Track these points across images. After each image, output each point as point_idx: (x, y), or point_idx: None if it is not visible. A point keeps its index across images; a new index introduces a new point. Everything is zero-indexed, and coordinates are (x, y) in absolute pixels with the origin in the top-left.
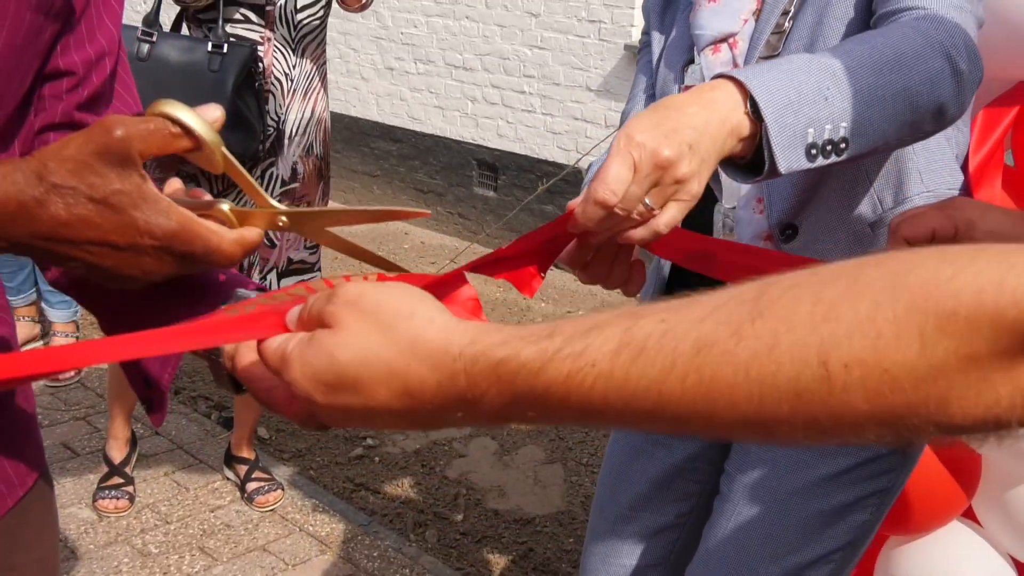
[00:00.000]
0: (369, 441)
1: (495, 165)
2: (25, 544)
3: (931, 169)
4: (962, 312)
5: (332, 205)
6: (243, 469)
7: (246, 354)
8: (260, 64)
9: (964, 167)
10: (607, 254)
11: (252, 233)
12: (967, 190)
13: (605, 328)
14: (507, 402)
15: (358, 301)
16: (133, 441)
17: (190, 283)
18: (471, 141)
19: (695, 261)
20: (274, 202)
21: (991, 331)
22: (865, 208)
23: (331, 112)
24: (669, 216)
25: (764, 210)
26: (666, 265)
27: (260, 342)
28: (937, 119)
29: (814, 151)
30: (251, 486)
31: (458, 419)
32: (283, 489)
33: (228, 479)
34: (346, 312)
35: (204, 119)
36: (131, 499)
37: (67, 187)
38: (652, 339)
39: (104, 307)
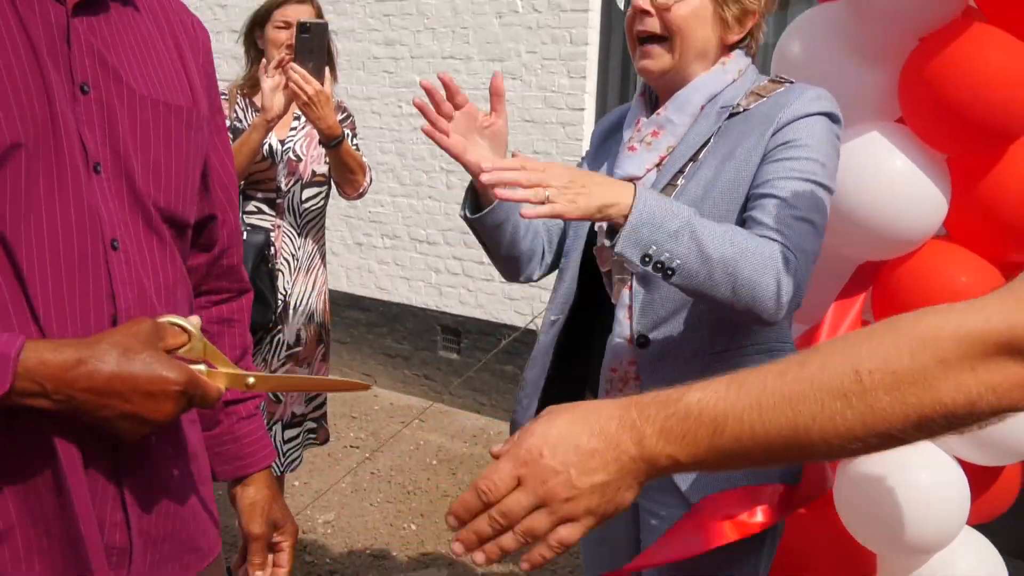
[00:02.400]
0: None
1: (458, 330)
2: None
3: (762, 329)
4: (938, 335)
5: (290, 375)
6: None
7: None
8: (272, 248)
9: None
10: None
11: (222, 387)
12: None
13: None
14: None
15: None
16: None
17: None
18: (435, 308)
19: None
20: (240, 370)
21: (955, 345)
22: (704, 342)
23: None
24: None
25: (631, 318)
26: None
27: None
28: (745, 314)
29: (647, 260)
30: None
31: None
32: None
33: None
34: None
35: (192, 323)
36: None
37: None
38: (747, 374)
39: None
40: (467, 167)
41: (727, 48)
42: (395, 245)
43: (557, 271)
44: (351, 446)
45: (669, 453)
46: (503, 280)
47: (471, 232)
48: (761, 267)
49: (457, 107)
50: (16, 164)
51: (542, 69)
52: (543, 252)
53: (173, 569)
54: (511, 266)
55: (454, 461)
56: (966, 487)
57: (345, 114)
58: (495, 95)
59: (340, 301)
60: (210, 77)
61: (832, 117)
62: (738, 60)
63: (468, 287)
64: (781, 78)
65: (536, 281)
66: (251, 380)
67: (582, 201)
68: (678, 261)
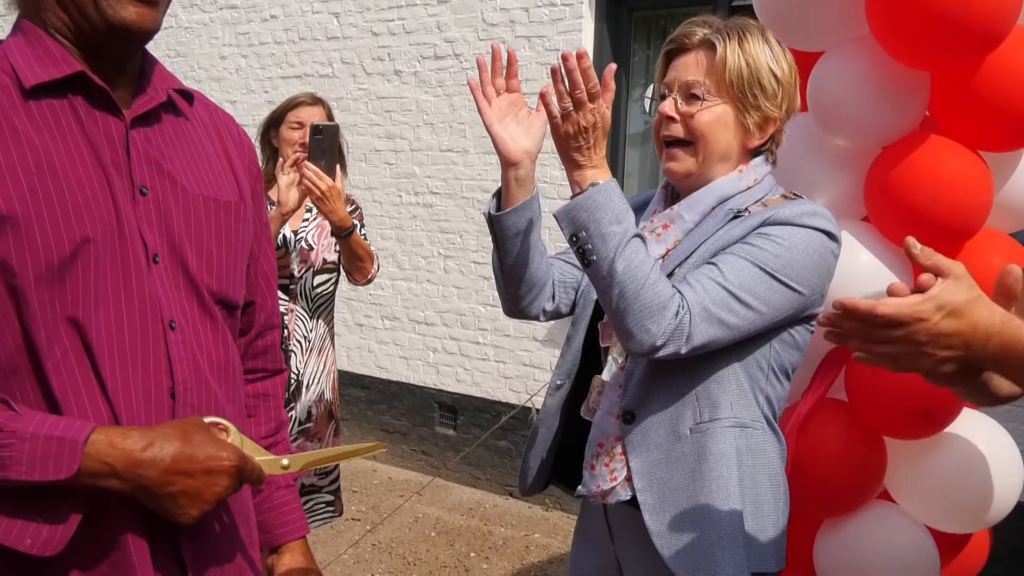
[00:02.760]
0: None
1: (454, 407)
2: None
3: (740, 404)
4: None
5: (317, 450)
6: None
7: None
8: (285, 331)
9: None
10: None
11: (267, 471)
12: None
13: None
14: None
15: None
16: None
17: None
18: (432, 386)
19: None
20: (272, 456)
21: None
22: (687, 417)
23: None
24: None
25: (621, 395)
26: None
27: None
28: (625, 338)
29: (574, 240)
30: None
31: None
32: None
33: None
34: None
35: (228, 421)
36: None
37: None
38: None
39: None
40: (494, 138)
41: (749, 153)
42: (394, 326)
43: (566, 338)
44: (353, 519)
45: None
46: (498, 359)
47: (490, 238)
48: (650, 308)
49: (509, 89)
50: (86, 257)
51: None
52: (552, 290)
53: None
54: (516, 289)
55: (452, 533)
56: (935, 552)
57: (354, 206)
58: (544, 103)
59: (342, 379)
60: (255, 176)
61: (827, 234)
62: (756, 169)
63: (464, 366)
64: (794, 193)
65: (538, 320)
66: (285, 462)
67: (585, 151)
68: (594, 258)
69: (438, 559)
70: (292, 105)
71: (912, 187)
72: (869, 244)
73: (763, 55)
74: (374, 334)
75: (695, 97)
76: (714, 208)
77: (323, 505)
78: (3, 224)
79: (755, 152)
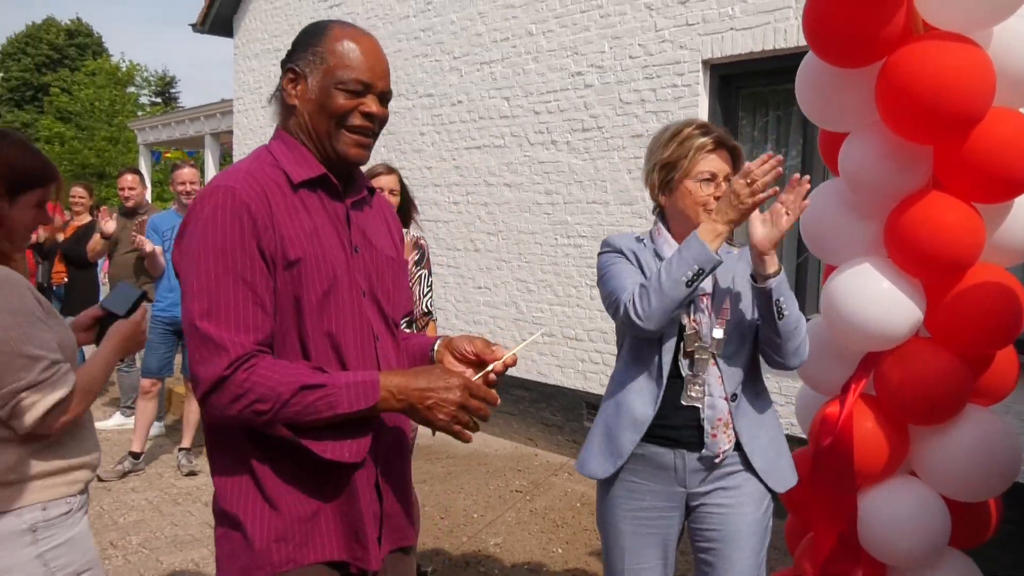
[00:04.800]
0: None
1: (597, 405)
2: None
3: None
4: None
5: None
6: None
7: None
8: None
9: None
10: None
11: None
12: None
13: None
14: None
15: None
16: None
17: None
18: (581, 389)
19: None
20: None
21: None
22: (762, 392)
23: None
24: None
25: (722, 383)
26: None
27: None
28: (795, 359)
29: (778, 301)
30: None
31: None
32: None
33: None
34: None
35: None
36: None
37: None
38: None
39: None
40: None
41: None
42: (552, 341)
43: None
44: (516, 490)
45: None
46: None
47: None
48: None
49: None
50: (336, 291)
51: None
52: None
53: (398, 536)
54: (667, 315)
55: (592, 505)
56: (947, 514)
57: (419, 252)
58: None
59: (510, 383)
60: (402, 242)
61: None
62: None
63: (606, 373)
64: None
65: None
66: (490, 368)
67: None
68: (786, 312)
69: (580, 524)
70: (371, 175)
71: (920, 231)
72: (888, 275)
73: None
74: (536, 348)
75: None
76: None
77: None
78: (295, 267)
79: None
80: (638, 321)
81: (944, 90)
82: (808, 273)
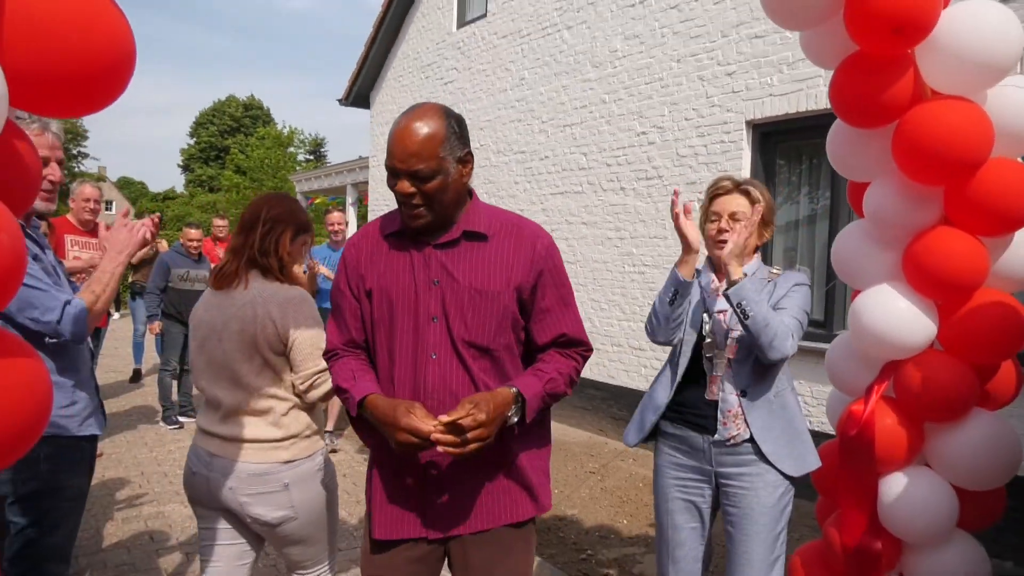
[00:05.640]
0: None
1: None
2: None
3: (784, 380)
4: None
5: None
6: None
7: None
8: None
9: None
10: None
11: (423, 427)
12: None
13: None
14: None
15: None
16: None
17: None
18: (643, 390)
19: None
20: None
21: None
22: (770, 389)
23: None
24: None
25: (734, 381)
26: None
27: None
28: (771, 352)
29: (739, 305)
30: None
31: None
32: None
33: None
34: None
35: (420, 407)
36: None
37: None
38: None
39: None
40: (688, 238)
41: (755, 248)
42: (619, 350)
43: (672, 353)
44: (589, 472)
45: None
46: None
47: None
48: (782, 336)
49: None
50: (399, 316)
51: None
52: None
53: (450, 523)
54: (670, 325)
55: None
56: (955, 500)
57: None
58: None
59: (585, 384)
60: (535, 272)
61: (808, 286)
62: (757, 258)
63: None
64: (777, 270)
65: (668, 344)
66: (440, 419)
67: (737, 263)
68: (752, 314)
69: (642, 500)
70: None
71: (933, 260)
72: (906, 296)
73: (766, 193)
74: (607, 355)
75: (736, 219)
76: (761, 279)
77: None
78: (370, 296)
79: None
80: (648, 332)
81: (951, 141)
82: (836, 296)
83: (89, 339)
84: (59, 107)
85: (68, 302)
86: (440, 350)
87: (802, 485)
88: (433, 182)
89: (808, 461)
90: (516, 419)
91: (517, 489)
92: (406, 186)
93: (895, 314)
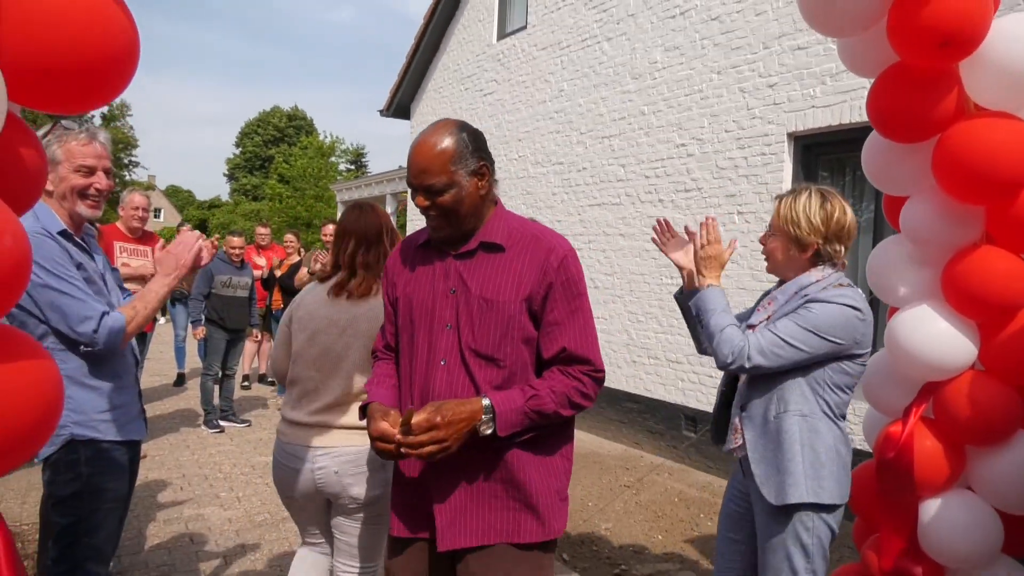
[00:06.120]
0: None
1: (694, 417)
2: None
3: (802, 403)
4: None
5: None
6: None
7: None
8: None
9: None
10: None
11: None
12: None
13: None
14: None
15: None
16: None
17: None
18: (680, 403)
19: None
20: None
21: None
22: (770, 409)
23: (604, 387)
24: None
25: (740, 394)
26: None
27: None
28: (715, 359)
29: (696, 311)
30: None
31: None
32: None
33: None
34: None
35: (395, 411)
36: None
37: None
38: None
39: None
40: (674, 261)
41: (811, 261)
42: (656, 363)
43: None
44: (624, 485)
45: None
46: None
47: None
48: (726, 343)
49: (672, 236)
50: (418, 323)
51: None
52: None
53: (456, 536)
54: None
55: (689, 500)
56: (1000, 525)
57: None
58: (690, 235)
59: (621, 396)
60: (545, 285)
61: (850, 306)
62: (822, 269)
63: (701, 391)
64: (847, 284)
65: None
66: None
67: (704, 270)
68: (704, 321)
69: (678, 516)
70: None
71: (972, 279)
72: (946, 316)
73: (802, 207)
74: (643, 368)
75: (770, 234)
76: (796, 293)
77: None
78: (397, 303)
79: (817, 260)
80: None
81: (995, 160)
82: (877, 312)
83: (135, 345)
84: (61, 102)
85: (106, 313)
86: (450, 357)
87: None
88: (446, 196)
89: (789, 494)
90: (488, 431)
91: (522, 508)
92: (421, 200)
93: (934, 334)
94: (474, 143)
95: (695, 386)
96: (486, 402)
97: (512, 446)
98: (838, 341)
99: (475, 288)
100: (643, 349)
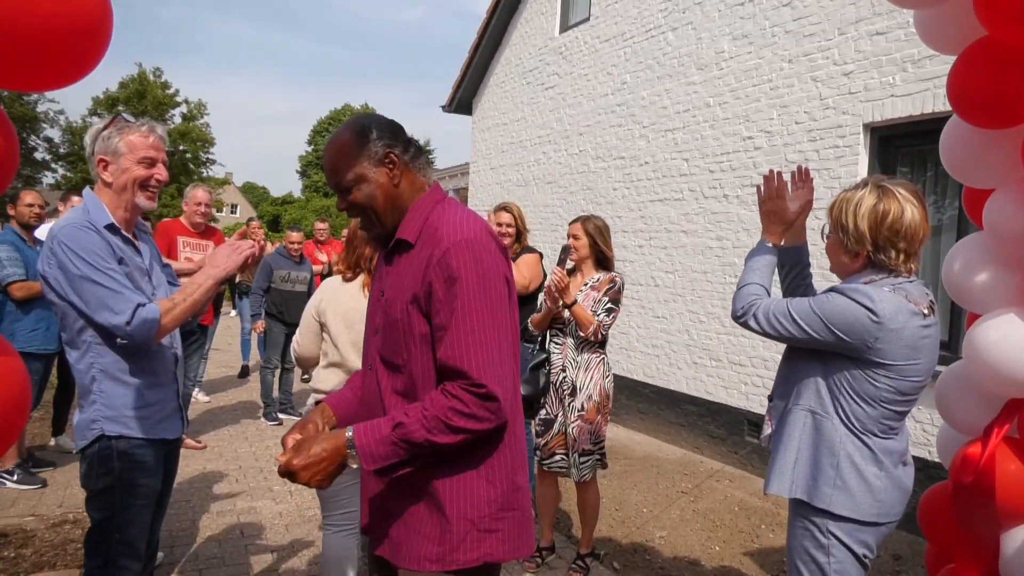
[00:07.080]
0: None
1: (757, 422)
2: None
3: (814, 400)
4: None
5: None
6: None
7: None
8: (559, 354)
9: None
10: None
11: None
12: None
13: None
14: None
15: None
16: None
17: None
18: (743, 407)
19: None
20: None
21: None
22: (790, 400)
23: (660, 387)
24: None
25: (772, 391)
26: None
27: None
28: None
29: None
30: None
31: None
32: None
33: None
34: None
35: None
36: None
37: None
38: None
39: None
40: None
41: (863, 266)
42: (718, 366)
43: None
44: (682, 492)
45: None
46: None
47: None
48: (740, 297)
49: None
50: (367, 326)
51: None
52: None
53: (384, 546)
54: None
55: (749, 510)
56: None
57: (612, 284)
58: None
59: (681, 398)
60: (429, 284)
61: (863, 306)
62: (870, 273)
63: (763, 394)
64: (893, 284)
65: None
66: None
67: (766, 224)
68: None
69: (737, 526)
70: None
71: None
72: None
73: (853, 206)
74: (704, 370)
75: (830, 231)
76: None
77: (596, 460)
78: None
79: (869, 265)
80: None
81: None
82: (962, 314)
83: (178, 342)
84: (24, 77)
85: (141, 305)
86: (375, 363)
87: (910, 519)
88: (356, 192)
89: (771, 482)
90: (355, 466)
91: (424, 536)
92: (339, 202)
93: (1020, 345)
94: (378, 131)
95: (758, 390)
96: (349, 434)
97: (426, 469)
98: (842, 336)
99: (387, 290)
100: (704, 350)
